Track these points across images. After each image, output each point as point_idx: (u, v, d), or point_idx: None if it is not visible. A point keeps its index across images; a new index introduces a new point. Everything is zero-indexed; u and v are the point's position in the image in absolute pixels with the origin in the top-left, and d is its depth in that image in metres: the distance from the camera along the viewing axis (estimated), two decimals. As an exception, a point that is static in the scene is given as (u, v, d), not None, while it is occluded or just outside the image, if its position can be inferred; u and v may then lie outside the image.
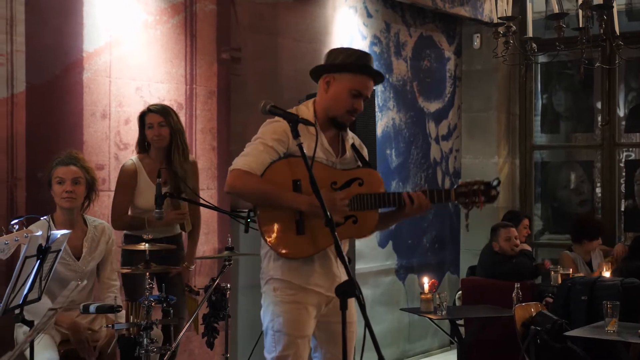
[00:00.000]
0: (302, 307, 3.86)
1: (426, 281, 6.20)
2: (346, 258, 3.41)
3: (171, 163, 5.18)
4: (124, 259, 5.20)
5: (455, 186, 3.91)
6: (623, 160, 9.00)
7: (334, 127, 3.92)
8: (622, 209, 8.91)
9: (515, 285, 6.11)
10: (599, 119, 8.97)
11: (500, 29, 6.85)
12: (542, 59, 8.48)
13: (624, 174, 8.98)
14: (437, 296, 6.06)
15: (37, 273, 3.82)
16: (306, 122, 3.67)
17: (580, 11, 6.73)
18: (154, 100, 5.73)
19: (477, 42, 8.89)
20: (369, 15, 7.85)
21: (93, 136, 5.45)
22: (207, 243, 6.10)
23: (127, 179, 5.21)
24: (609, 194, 8.78)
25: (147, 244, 4.51)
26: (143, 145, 5.31)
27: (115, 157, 5.57)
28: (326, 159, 3.87)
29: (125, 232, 5.31)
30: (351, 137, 4.04)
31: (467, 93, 9.03)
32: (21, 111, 5.09)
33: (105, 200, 5.39)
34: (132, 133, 5.61)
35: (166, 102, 5.79)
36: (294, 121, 3.54)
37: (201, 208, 5.59)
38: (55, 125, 5.27)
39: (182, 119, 5.92)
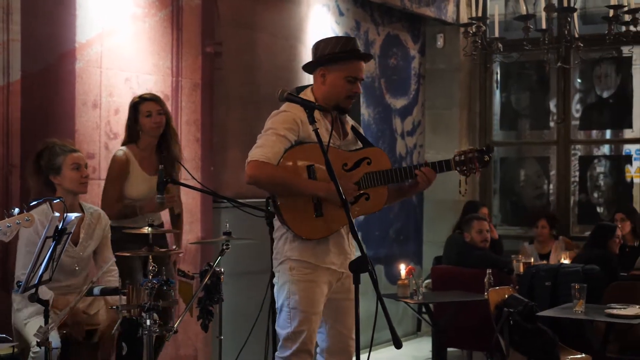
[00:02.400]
0: (316, 285, 4.11)
1: (403, 267, 6.46)
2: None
3: (169, 149, 5.36)
4: None
5: (453, 156, 4.19)
6: (576, 155, 9.42)
7: (337, 112, 4.16)
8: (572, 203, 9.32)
9: (487, 272, 6.41)
10: (554, 117, 9.35)
11: (470, 29, 7.16)
12: (501, 59, 8.83)
13: (577, 169, 9.41)
14: (414, 282, 6.32)
15: (52, 254, 3.99)
16: (323, 108, 3.91)
17: (543, 13, 7.08)
18: (142, 91, 5.86)
19: (440, 42, 9.20)
20: (341, 14, 8.10)
21: (84, 125, 5.59)
22: (190, 232, 6.26)
23: (118, 170, 5.32)
24: (563, 189, 9.16)
25: (149, 228, 4.67)
26: (134, 134, 5.41)
27: (105, 146, 5.71)
28: (332, 142, 4.11)
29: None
30: (350, 120, 4.30)
31: (430, 91, 9.34)
32: (16, 99, 5.18)
33: (95, 189, 5.52)
34: (121, 123, 5.75)
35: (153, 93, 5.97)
36: (310, 107, 3.77)
37: (182, 197, 5.83)
38: (49, 114, 5.38)
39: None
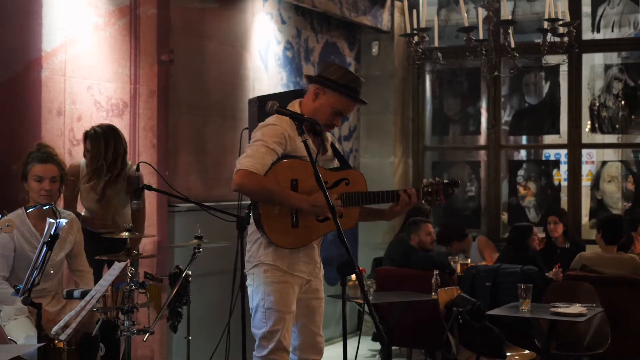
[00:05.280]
0: (289, 286, 4.36)
1: (354, 269, 6.68)
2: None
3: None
4: None
5: (422, 187, 4.49)
6: (506, 160, 9.84)
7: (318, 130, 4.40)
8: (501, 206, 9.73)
9: (435, 273, 6.71)
10: (485, 123, 9.74)
11: (412, 39, 7.45)
12: (436, 66, 9.16)
13: (507, 173, 9.83)
14: (365, 283, 6.56)
15: (44, 258, 4.12)
16: (312, 121, 4.13)
17: (481, 24, 7.43)
18: (103, 98, 6.03)
19: (375, 49, 9.49)
20: (283, 22, 8.31)
21: (50, 132, 5.67)
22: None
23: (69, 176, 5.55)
24: (494, 192, 9.54)
25: (127, 233, 4.81)
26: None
27: (69, 152, 5.81)
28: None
29: None
30: (329, 137, 4.53)
31: (365, 96, 9.50)
32: (-13, 108, 5.29)
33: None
34: (83, 129, 5.88)
35: (113, 101, 6.11)
36: (299, 120, 3.99)
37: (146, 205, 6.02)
38: (17, 121, 5.47)
39: (127, 117, 6.24)
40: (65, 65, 5.76)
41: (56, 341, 3.90)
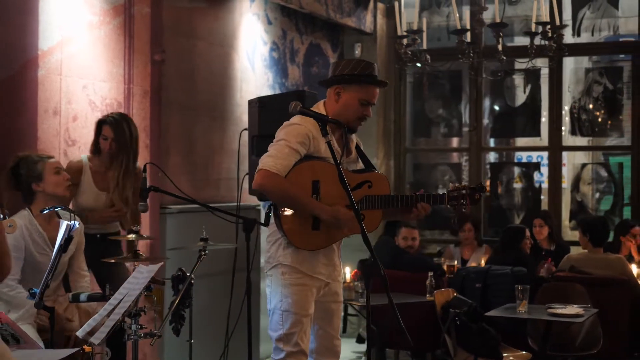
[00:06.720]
0: (307, 289, 4.32)
1: (348, 270, 6.68)
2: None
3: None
4: None
5: (447, 191, 4.42)
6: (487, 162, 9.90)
7: (347, 131, 4.35)
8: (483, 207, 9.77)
9: (429, 274, 6.71)
10: (466, 125, 9.79)
11: (402, 41, 7.46)
12: (419, 69, 9.17)
13: (489, 175, 9.89)
14: (359, 284, 6.55)
15: (57, 261, 4.06)
16: (335, 122, 4.10)
17: (468, 26, 7.47)
18: (98, 98, 5.94)
19: (358, 51, 9.48)
20: (269, 23, 8.26)
21: (46, 132, 5.58)
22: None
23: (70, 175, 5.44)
24: (475, 194, 9.55)
25: (134, 235, 4.74)
26: (96, 148, 5.56)
27: (64, 153, 5.71)
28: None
29: None
30: (355, 138, 4.50)
31: (348, 98, 9.54)
32: (-17, 107, 5.18)
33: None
34: (79, 130, 5.81)
35: (108, 101, 6.02)
36: (323, 121, 3.97)
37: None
38: (14, 121, 5.36)
39: (121, 117, 6.16)
40: (61, 64, 5.66)
41: (85, 346, 3.83)
